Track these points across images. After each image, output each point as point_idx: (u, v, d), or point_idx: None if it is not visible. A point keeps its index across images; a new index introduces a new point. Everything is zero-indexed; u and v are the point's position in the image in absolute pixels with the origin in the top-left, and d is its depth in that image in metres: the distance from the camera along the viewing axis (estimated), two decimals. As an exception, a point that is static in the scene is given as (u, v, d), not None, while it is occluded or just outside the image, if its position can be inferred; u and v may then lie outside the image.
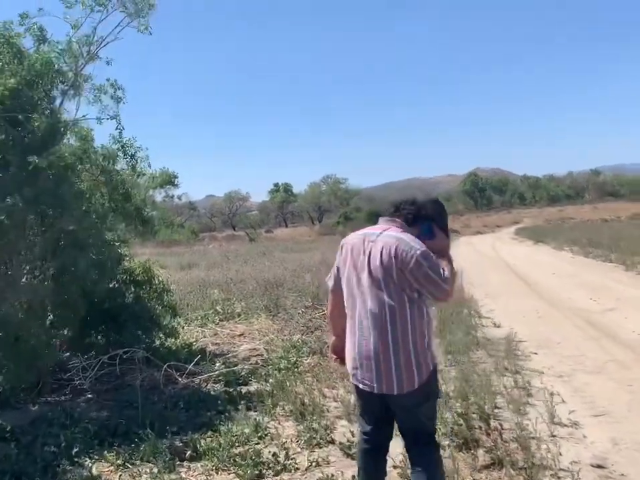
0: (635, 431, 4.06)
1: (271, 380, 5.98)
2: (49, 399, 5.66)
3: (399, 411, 2.97)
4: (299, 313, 8.82)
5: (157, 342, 7.08)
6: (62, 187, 5.37)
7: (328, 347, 3.42)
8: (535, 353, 6.35)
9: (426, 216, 3.04)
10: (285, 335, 8.01)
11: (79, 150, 5.94)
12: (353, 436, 4.46)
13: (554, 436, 4.08)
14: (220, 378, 6.11)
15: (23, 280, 5.56)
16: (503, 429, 4.19)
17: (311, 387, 5.65)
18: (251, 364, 6.69)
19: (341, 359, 3.24)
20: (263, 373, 6.24)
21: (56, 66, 5.74)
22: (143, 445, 4.35)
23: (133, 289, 6.72)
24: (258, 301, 10.03)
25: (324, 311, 8.78)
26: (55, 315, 5.84)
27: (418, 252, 2.84)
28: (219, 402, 5.38)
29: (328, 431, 4.52)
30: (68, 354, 6.47)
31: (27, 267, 5.56)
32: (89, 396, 5.70)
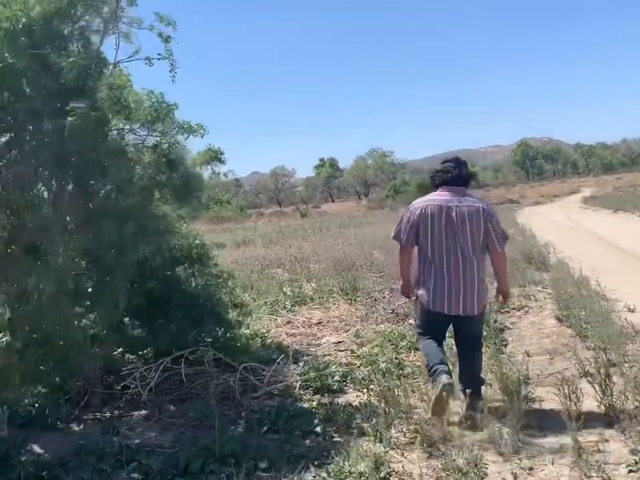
0: None
1: (373, 386, 4.70)
2: (98, 414, 4.51)
3: (471, 324, 4.12)
4: (383, 297, 7.50)
5: (224, 335, 5.83)
6: (101, 144, 4.12)
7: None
8: None
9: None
10: (371, 324, 6.73)
11: (113, 99, 4.54)
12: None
13: None
14: (308, 383, 4.87)
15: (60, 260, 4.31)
16: None
17: (429, 399, 4.35)
18: (342, 363, 5.43)
19: (409, 296, 4.58)
20: (360, 377, 4.97)
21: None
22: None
23: (192, 273, 5.37)
24: (331, 282, 8.75)
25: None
26: (92, 300, 4.52)
27: (494, 212, 4.11)
28: (315, 420, 4.13)
29: (480, 472, 3.22)
30: (121, 354, 5.34)
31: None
32: (148, 411, 4.52)
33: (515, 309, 6.98)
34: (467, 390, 3.86)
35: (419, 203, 4.14)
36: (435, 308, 4.07)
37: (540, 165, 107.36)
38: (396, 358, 5.36)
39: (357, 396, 4.65)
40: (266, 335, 6.48)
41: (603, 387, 3.81)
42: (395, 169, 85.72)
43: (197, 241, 5.38)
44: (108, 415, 4.53)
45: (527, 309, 6.93)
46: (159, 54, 5.69)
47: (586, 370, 4.56)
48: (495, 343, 5.51)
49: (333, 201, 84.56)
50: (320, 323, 7.01)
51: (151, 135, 6.11)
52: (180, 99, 5.32)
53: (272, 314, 7.48)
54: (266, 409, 4.38)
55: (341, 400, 4.56)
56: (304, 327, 6.81)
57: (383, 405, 4.25)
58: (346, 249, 11.92)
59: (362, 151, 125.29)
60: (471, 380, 4.02)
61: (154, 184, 5.24)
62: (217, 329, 5.37)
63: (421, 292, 4.18)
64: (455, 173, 4.14)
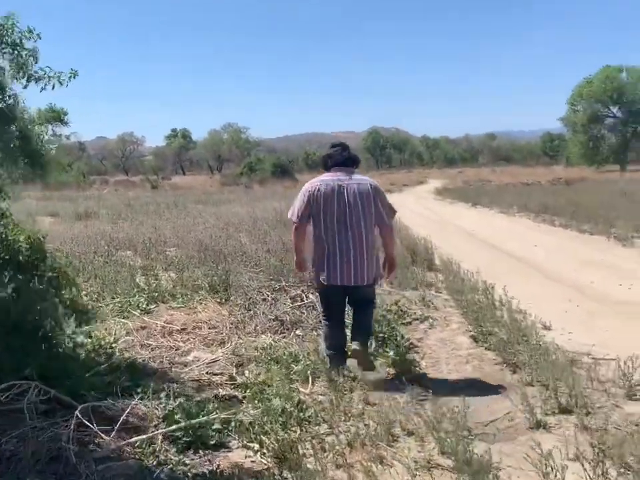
0: None
1: (266, 439, 3.42)
2: None
3: (362, 292, 4.47)
4: (264, 299, 6.21)
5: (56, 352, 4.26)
6: None
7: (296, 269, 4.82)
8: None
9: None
10: (249, 334, 5.44)
11: None
12: None
13: None
14: (176, 434, 3.48)
15: None
16: None
17: (348, 466, 3.16)
18: (219, 396, 4.09)
19: (302, 271, 4.90)
20: (247, 421, 3.66)
21: None
22: None
23: (11, 277, 3.73)
24: (195, 274, 7.31)
25: (302, 299, 6.25)
26: None
27: (381, 188, 4.57)
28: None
29: None
30: None
31: None
32: None
33: (417, 319, 5.99)
34: (357, 341, 4.35)
35: (314, 182, 4.46)
36: (329, 281, 4.39)
37: (389, 153, 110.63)
38: (291, 389, 4.13)
39: (245, 456, 3.35)
40: (114, 346, 4.97)
41: (595, 467, 2.80)
42: (250, 146, 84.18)
43: (30, 239, 3.78)
44: None
45: (430, 320, 5.96)
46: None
47: (537, 420, 3.63)
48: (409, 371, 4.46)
49: (184, 174, 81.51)
50: (184, 329, 5.59)
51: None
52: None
53: (121, 315, 5.92)
54: (115, 481, 2.96)
55: (225, 462, 3.25)
56: (164, 336, 5.36)
57: (284, 472, 3.04)
58: (209, 232, 10.44)
59: (217, 124, 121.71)
60: (362, 333, 4.44)
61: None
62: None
63: (316, 268, 4.49)
64: (346, 155, 4.56)
